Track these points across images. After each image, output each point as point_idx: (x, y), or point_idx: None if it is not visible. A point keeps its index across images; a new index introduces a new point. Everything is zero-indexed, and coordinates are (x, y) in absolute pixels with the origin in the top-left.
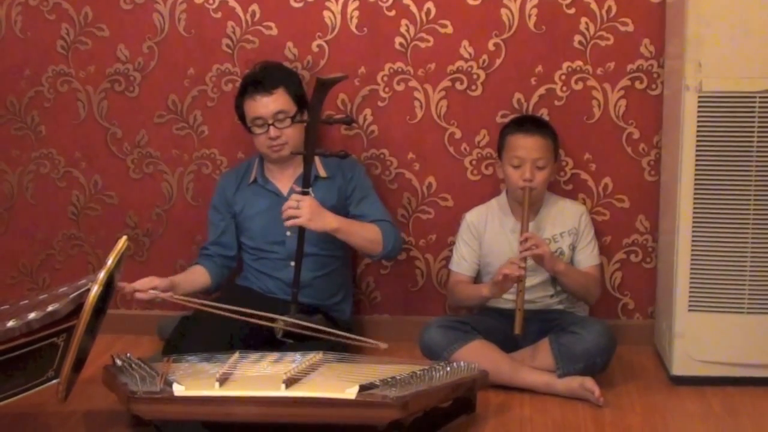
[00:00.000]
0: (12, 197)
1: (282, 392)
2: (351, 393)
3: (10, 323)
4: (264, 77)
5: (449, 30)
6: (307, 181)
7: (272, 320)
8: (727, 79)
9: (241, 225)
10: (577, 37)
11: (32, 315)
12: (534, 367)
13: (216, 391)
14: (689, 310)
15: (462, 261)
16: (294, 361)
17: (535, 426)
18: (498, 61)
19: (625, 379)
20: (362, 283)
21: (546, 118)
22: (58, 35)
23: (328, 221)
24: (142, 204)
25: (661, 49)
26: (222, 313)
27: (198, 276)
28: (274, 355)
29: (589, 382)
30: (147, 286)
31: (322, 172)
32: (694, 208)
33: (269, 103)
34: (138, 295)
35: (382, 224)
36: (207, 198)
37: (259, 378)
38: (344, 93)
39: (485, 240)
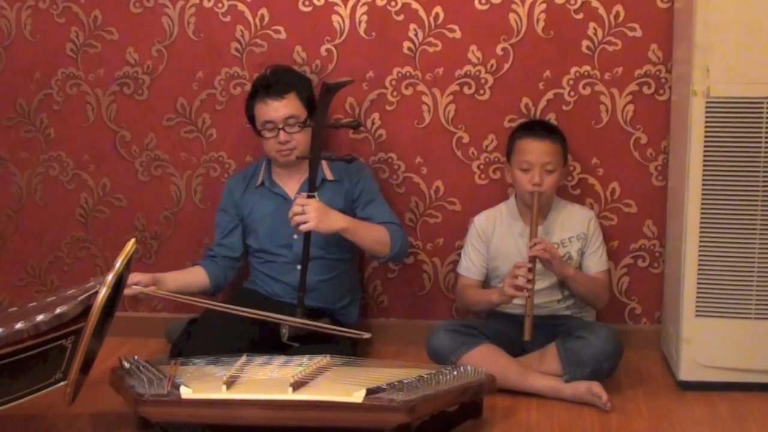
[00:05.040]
0: (21, 199)
1: (289, 395)
2: (358, 396)
3: (19, 325)
4: (276, 81)
5: (457, 34)
6: (312, 185)
7: (278, 321)
8: (735, 84)
9: (249, 228)
10: (585, 42)
11: (40, 317)
12: (541, 371)
13: (223, 394)
14: (696, 316)
15: (470, 265)
16: (301, 365)
17: (542, 431)
18: (506, 66)
19: (632, 384)
20: (369, 287)
21: (555, 123)
22: (67, 38)
23: (336, 221)
24: (150, 207)
25: (668, 54)
26: (222, 310)
27: (194, 275)
28: (282, 359)
29: (596, 387)
30: (130, 281)
31: (329, 175)
32: (702, 213)
33: (280, 108)
34: (125, 291)
35: (389, 226)
36: (215, 201)
37: (266, 381)
38: (352, 97)
39: (493, 244)
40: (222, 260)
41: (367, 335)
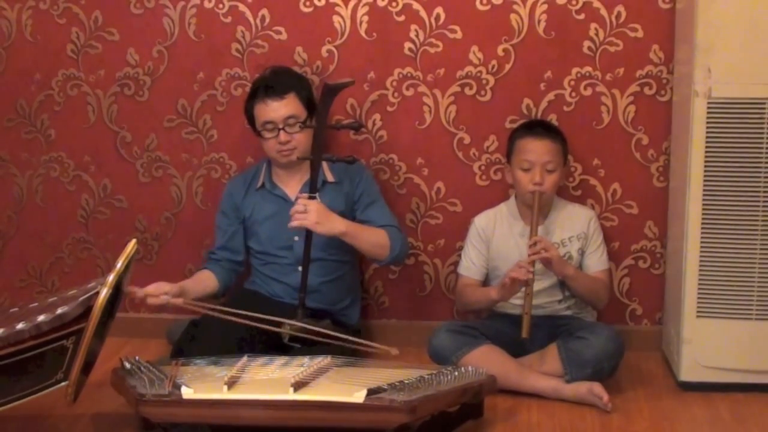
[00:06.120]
0: (22, 200)
1: (290, 396)
2: (359, 397)
3: (20, 326)
4: (276, 82)
5: (458, 35)
6: (314, 186)
7: (280, 325)
8: (736, 85)
9: (249, 230)
10: (587, 43)
11: (41, 317)
12: (542, 372)
13: (224, 395)
14: (697, 316)
15: (471, 265)
16: (302, 365)
17: (543, 431)
18: (507, 67)
19: (633, 384)
20: (370, 288)
21: (555, 123)
22: (68, 39)
23: (336, 224)
24: (151, 208)
25: (670, 55)
26: (233, 319)
27: (206, 281)
28: (282, 359)
29: (597, 388)
30: (158, 291)
31: (330, 177)
32: (703, 214)
33: (280, 108)
34: (150, 300)
35: (389, 229)
36: (216, 202)
37: (267, 381)
38: (353, 98)
39: (494, 244)
40: (227, 263)
41: (395, 351)
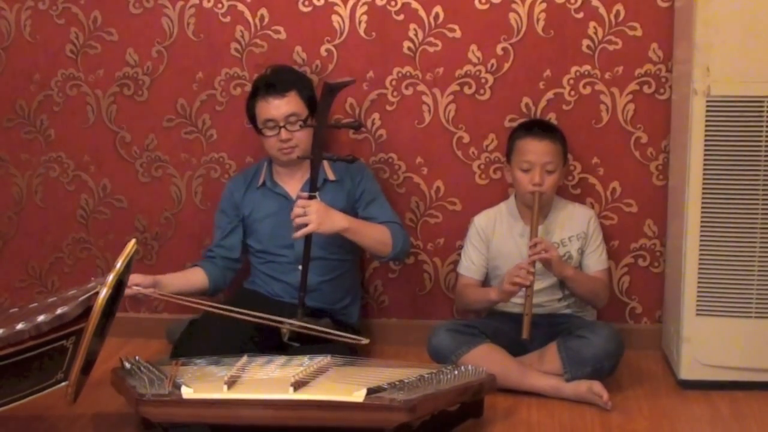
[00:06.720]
0: (21, 201)
1: (290, 395)
2: (359, 396)
3: (20, 326)
4: (277, 80)
5: (458, 34)
6: (314, 185)
7: (279, 323)
8: (735, 83)
9: (249, 228)
10: (586, 42)
11: (41, 318)
12: (542, 371)
13: (224, 394)
14: (697, 315)
15: (470, 264)
16: (302, 365)
17: (543, 430)
18: (506, 66)
19: (633, 383)
20: (370, 287)
21: (554, 122)
22: (67, 39)
23: (338, 222)
24: (150, 208)
25: (669, 53)
26: (230, 314)
27: (193, 276)
28: (282, 359)
29: (597, 386)
30: (130, 282)
31: (331, 176)
32: (702, 212)
33: (281, 106)
34: None
35: (391, 226)
36: (216, 202)
37: (267, 381)
38: (352, 97)
39: (493, 244)
40: (221, 261)
41: (365, 341)
